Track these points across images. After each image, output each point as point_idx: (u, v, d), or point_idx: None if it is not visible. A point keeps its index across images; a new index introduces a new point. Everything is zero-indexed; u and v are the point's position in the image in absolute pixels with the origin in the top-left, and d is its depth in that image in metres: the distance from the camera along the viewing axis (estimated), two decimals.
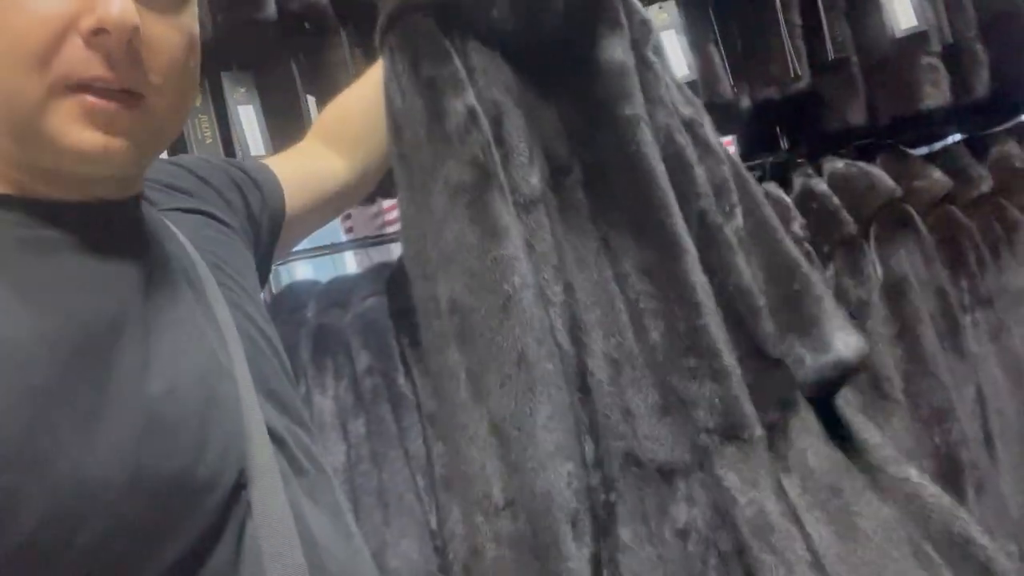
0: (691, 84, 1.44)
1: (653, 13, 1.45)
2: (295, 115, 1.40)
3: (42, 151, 0.52)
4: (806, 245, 1.47)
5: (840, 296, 1.45)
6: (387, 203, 1.93)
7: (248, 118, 1.40)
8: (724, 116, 1.54)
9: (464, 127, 0.85)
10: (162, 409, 0.52)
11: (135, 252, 0.58)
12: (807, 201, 1.51)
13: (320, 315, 1.51)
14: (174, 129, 0.61)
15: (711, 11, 1.50)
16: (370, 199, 1.69)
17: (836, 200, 1.50)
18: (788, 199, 1.52)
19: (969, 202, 1.50)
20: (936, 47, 1.47)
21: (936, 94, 1.46)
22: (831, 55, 1.47)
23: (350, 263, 1.85)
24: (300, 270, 1.70)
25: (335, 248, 1.76)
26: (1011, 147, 1.54)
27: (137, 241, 0.60)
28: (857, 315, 1.43)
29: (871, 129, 1.57)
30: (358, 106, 0.99)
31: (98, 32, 0.50)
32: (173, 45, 0.55)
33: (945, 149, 1.65)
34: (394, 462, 1.41)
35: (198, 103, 1.34)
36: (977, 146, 1.60)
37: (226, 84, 1.36)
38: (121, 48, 0.51)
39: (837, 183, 1.52)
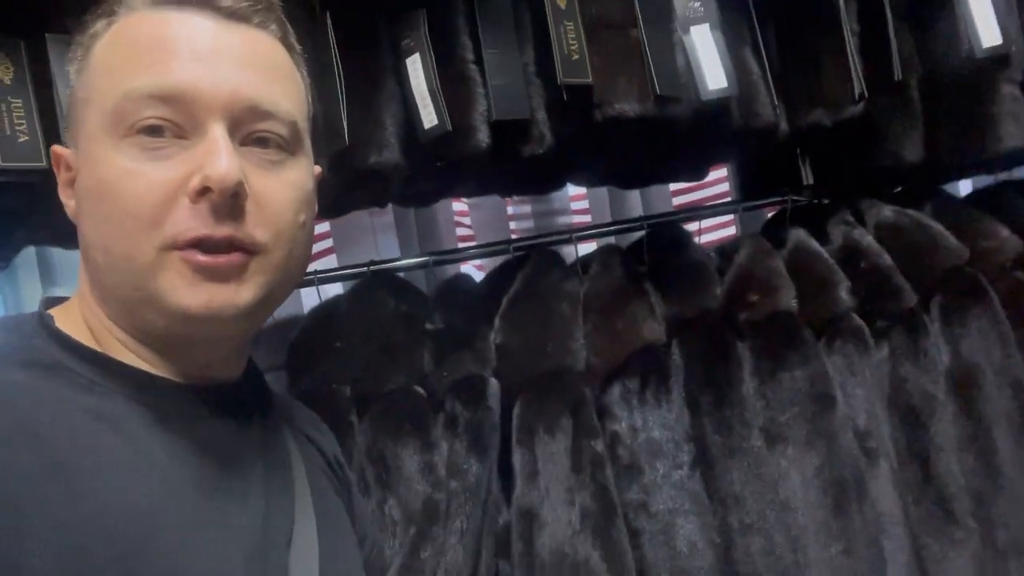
0: (724, 100, 1.08)
1: (681, 4, 1.07)
2: None
3: (152, 312, 0.55)
4: (855, 319, 1.14)
5: (898, 388, 1.13)
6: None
7: None
8: (744, 141, 1.20)
9: None
10: None
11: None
12: (853, 259, 1.18)
13: None
14: (287, 283, 0.61)
15: (751, 9, 1.13)
16: None
17: (889, 260, 1.17)
18: (827, 256, 1.18)
19: None
20: (1018, 75, 1.17)
21: (1019, 133, 1.16)
22: (897, 75, 1.14)
23: None
24: None
25: None
26: None
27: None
28: (920, 412, 1.12)
29: (919, 167, 1.25)
30: None
31: (204, 191, 0.53)
32: (282, 200, 0.57)
33: (994, 194, 1.35)
34: None
35: None
36: None
37: None
38: (226, 204, 0.53)
39: (887, 237, 1.20)
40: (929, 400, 1.12)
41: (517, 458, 1.01)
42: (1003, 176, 1.39)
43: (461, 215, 1.51)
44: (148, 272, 0.53)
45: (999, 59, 1.14)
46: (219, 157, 0.53)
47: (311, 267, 1.40)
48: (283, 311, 1.30)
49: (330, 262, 1.45)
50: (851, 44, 1.10)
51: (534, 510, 1.00)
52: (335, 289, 1.22)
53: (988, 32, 1.14)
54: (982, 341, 1.14)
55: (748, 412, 1.07)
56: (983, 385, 1.12)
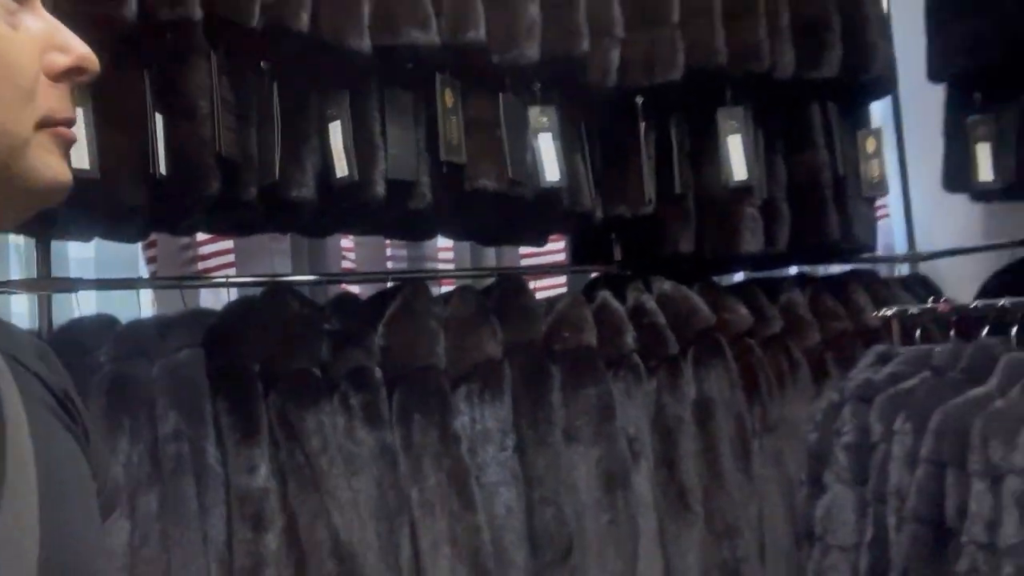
0: (557, 190, 1.50)
1: (534, 115, 1.49)
2: (136, 131, 1.21)
3: (13, 189, 0.50)
4: (635, 357, 1.57)
5: (659, 411, 1.57)
6: (202, 237, 1.72)
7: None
8: (570, 220, 1.63)
9: None
10: None
11: None
12: (639, 316, 1.62)
13: (119, 362, 1.29)
14: None
15: (583, 125, 1.58)
16: (188, 228, 1.50)
17: (663, 319, 1.62)
18: (623, 311, 1.62)
19: (764, 338, 1.71)
20: (758, 201, 1.68)
21: (753, 242, 1.67)
22: (678, 189, 1.62)
23: (145, 297, 1.60)
24: (85, 300, 1.43)
25: (130, 283, 1.52)
26: (796, 295, 1.80)
27: None
28: (672, 429, 1.55)
29: (693, 256, 1.73)
30: None
31: (78, 72, 0.51)
32: None
33: (743, 286, 1.87)
34: (188, 546, 1.22)
35: None
36: (769, 287, 1.84)
37: None
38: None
39: (664, 303, 1.66)
40: (679, 421, 1.56)
41: (397, 433, 1.33)
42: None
43: (347, 250, 1.83)
44: (22, 148, 0.48)
45: (745, 189, 1.66)
46: (75, 38, 0.51)
47: (223, 273, 1.67)
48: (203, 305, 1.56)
49: (229, 274, 1.71)
50: (647, 163, 1.57)
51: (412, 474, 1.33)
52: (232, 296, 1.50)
53: (739, 169, 1.65)
54: (717, 383, 1.60)
55: (554, 415, 1.46)
56: (715, 414, 1.58)
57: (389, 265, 1.84)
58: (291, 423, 1.31)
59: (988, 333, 1.35)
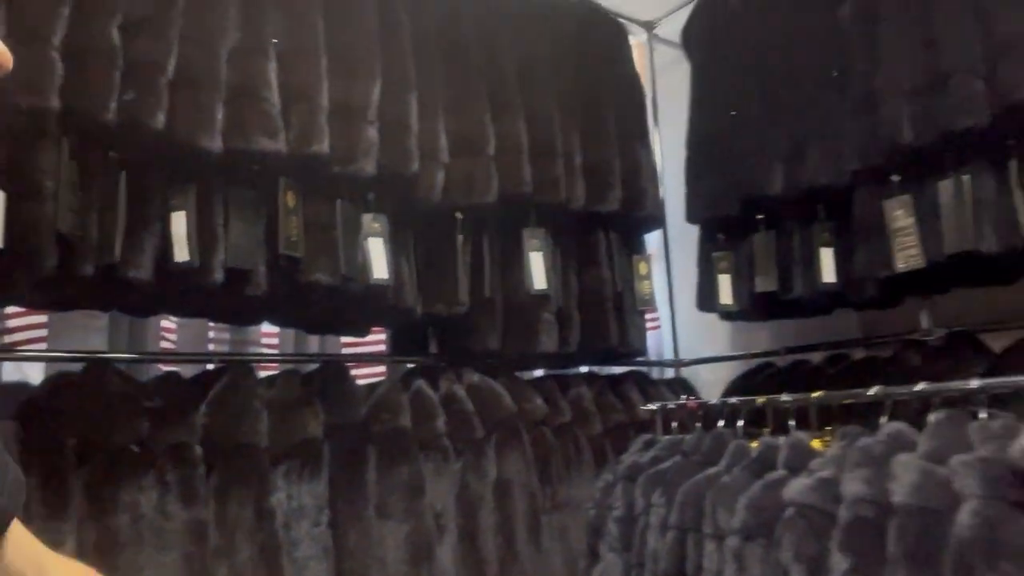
0: (384, 287, 1.69)
1: (367, 221, 1.69)
2: None
3: None
4: (444, 440, 1.75)
5: (464, 488, 1.75)
6: (13, 310, 1.69)
7: None
8: (393, 315, 1.82)
9: None
10: None
11: None
12: (450, 403, 1.82)
13: None
14: None
15: (410, 232, 1.80)
16: (14, 301, 1.50)
17: (471, 406, 1.83)
18: (436, 399, 1.81)
19: (556, 426, 1.97)
20: (554, 308, 1.98)
21: (549, 342, 1.95)
22: (487, 293, 1.88)
23: None
24: None
25: None
26: (583, 390, 2.10)
27: None
28: (474, 505, 1.73)
29: (499, 352, 1.98)
30: None
31: None
32: None
33: (540, 380, 2.15)
34: None
35: None
36: (562, 382, 2.13)
37: None
38: None
39: (472, 393, 1.87)
40: (481, 499, 1.74)
41: (212, 508, 1.38)
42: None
43: (168, 331, 1.86)
44: None
45: (543, 297, 1.95)
46: None
47: (36, 347, 1.64)
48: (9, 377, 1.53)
49: (39, 348, 1.68)
50: (462, 269, 1.81)
51: (224, 548, 1.37)
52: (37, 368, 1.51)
53: (539, 280, 1.94)
54: (515, 464, 1.82)
55: (368, 492, 1.59)
56: (512, 492, 1.79)
57: (211, 347, 1.90)
58: (102, 498, 1.34)
59: (724, 425, 1.70)
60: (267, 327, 1.94)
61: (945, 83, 1.61)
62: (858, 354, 2.05)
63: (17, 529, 0.53)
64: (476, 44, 1.96)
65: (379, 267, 1.68)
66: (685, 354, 2.55)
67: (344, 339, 2.05)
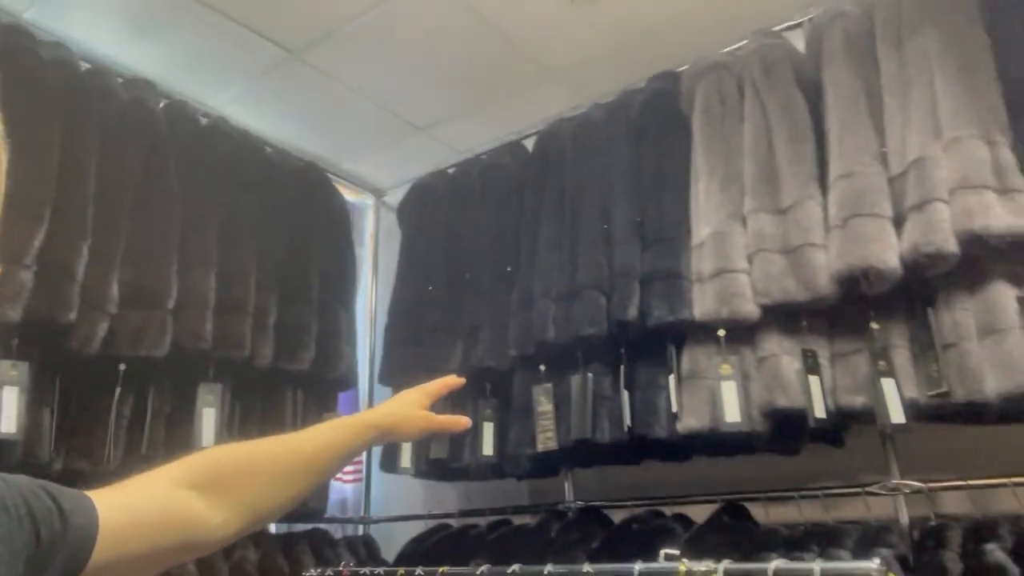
0: (12, 443, 1.57)
1: (5, 368, 1.59)
2: None
3: None
4: None
5: None
6: None
7: None
8: (27, 472, 1.68)
9: None
10: None
11: None
12: None
13: None
14: None
15: (58, 381, 1.71)
16: None
17: None
18: None
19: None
20: None
21: None
22: (143, 450, 1.80)
23: None
24: None
25: None
26: (249, 552, 2.04)
27: None
28: None
29: None
30: (231, 460, 0.81)
31: None
32: None
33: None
34: None
35: None
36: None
37: None
38: None
39: None
40: None
41: None
42: None
43: None
44: None
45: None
46: None
47: None
48: None
49: None
50: (116, 424, 1.74)
51: None
52: None
53: (208, 436, 1.91)
54: None
55: None
56: None
57: None
58: None
59: None
60: None
61: (579, 295, 1.91)
62: (520, 519, 2.21)
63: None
64: (180, 193, 1.99)
65: (8, 421, 1.56)
66: (378, 510, 2.58)
67: None
